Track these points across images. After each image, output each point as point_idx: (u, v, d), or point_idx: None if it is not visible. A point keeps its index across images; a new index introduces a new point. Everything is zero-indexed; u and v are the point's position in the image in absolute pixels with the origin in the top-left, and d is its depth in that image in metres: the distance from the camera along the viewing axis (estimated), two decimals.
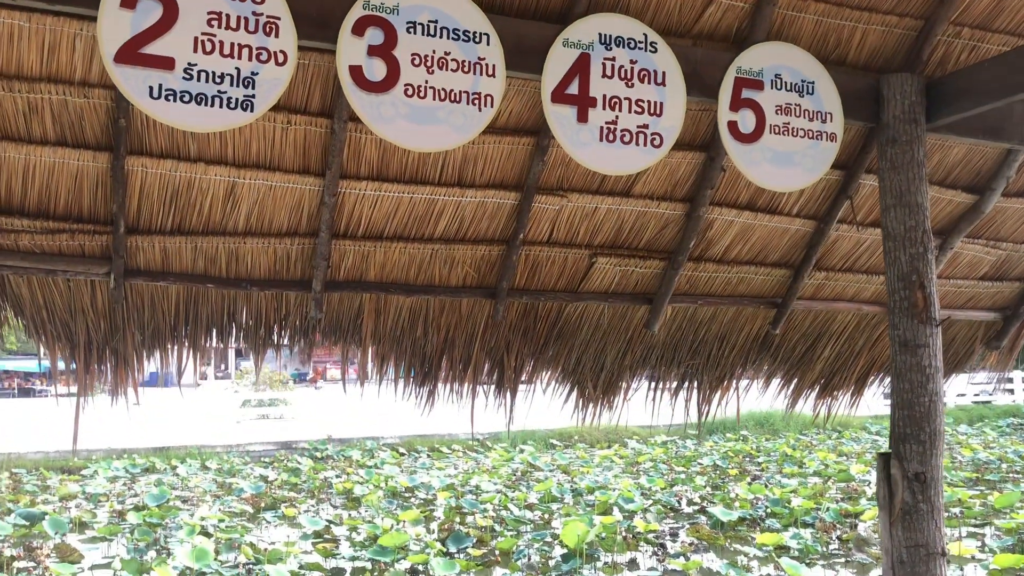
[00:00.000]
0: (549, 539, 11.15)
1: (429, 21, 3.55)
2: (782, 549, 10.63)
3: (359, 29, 3.44)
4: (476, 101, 3.62)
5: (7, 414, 30.34)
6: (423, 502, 14.19)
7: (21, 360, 40.94)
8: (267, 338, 4.59)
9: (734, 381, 5.66)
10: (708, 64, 4.07)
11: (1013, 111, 4.59)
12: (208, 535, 11.03)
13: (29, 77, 3.66)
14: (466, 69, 3.60)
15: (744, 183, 4.84)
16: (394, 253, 4.58)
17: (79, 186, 3.97)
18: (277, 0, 3.32)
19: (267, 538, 11.64)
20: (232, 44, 3.25)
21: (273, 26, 3.32)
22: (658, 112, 3.92)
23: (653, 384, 5.54)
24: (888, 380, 5.79)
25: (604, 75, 3.84)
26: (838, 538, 11.53)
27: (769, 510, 13.00)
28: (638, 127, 3.88)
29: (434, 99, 3.55)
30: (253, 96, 3.29)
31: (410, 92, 3.50)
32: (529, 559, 10.50)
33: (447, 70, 3.57)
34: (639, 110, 3.88)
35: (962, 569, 10.09)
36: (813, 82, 4.25)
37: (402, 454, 20.73)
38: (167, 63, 3.16)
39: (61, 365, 4.30)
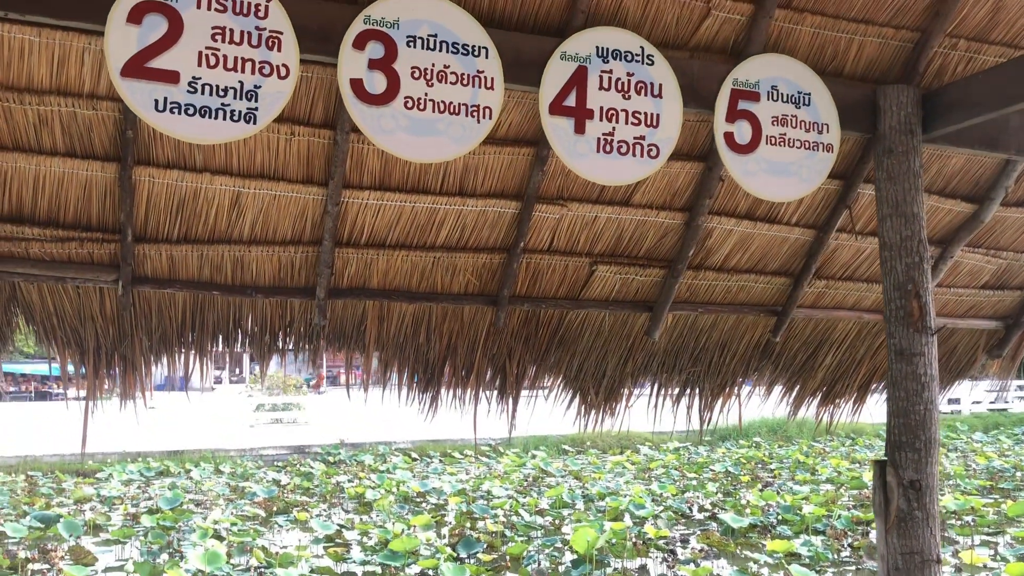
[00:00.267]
0: (559, 545, 11.19)
1: (429, 35, 3.63)
2: (793, 556, 10.63)
3: (360, 43, 3.52)
4: (475, 113, 3.69)
5: (24, 417, 30.64)
6: (434, 507, 14.26)
7: (38, 364, 41.27)
8: (272, 344, 4.68)
9: (735, 388, 5.70)
10: (705, 76, 4.13)
11: (1009, 122, 4.61)
12: (220, 538, 11.12)
13: (39, 90, 3.77)
14: (465, 82, 3.67)
15: (743, 193, 4.89)
16: (397, 261, 4.66)
17: (88, 196, 4.08)
18: (280, 15, 3.41)
19: (279, 542, 11.74)
20: (236, 58, 3.34)
21: (276, 40, 3.40)
22: (655, 124, 3.98)
23: (655, 391, 5.59)
24: None
25: (601, 87, 3.91)
26: (849, 545, 11.51)
27: (780, 517, 12.98)
28: (635, 138, 3.95)
29: (433, 111, 3.62)
30: (256, 109, 3.38)
31: (410, 104, 3.58)
32: (539, 564, 10.54)
33: (446, 83, 3.64)
34: (636, 121, 3.95)
35: None
36: (809, 93, 4.30)
37: (414, 459, 20.81)
38: (172, 77, 3.25)
39: (71, 370, 4.40)
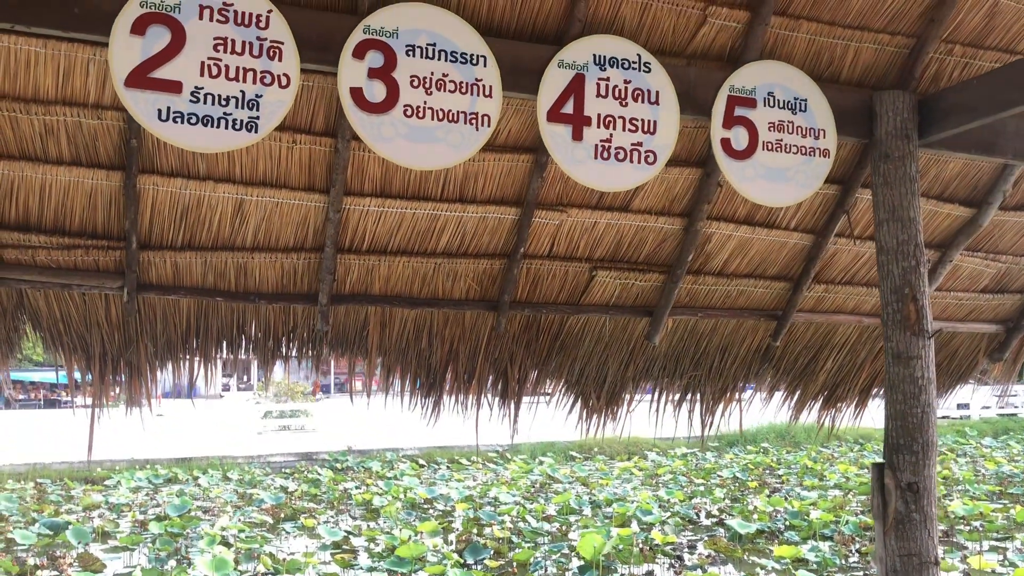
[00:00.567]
0: (566, 551, 11.21)
1: (427, 44, 3.69)
2: (800, 562, 10.63)
3: (359, 53, 3.58)
4: (473, 121, 3.74)
5: (33, 425, 30.78)
6: (441, 513, 14.29)
7: (47, 372, 41.46)
8: (276, 350, 4.73)
9: (736, 393, 5.73)
10: (701, 83, 4.18)
11: (1006, 126, 4.64)
12: (228, 545, 11.18)
13: (45, 100, 3.83)
14: (463, 90, 3.73)
15: (741, 198, 4.91)
16: (398, 267, 4.71)
17: (93, 204, 4.13)
18: (281, 26, 3.47)
19: (286, 548, 11.79)
20: (237, 68, 3.40)
21: (277, 50, 3.46)
22: (652, 130, 4.03)
23: (656, 396, 5.62)
24: None
25: (599, 95, 3.95)
26: (857, 551, 11.51)
27: (788, 523, 12.99)
28: (632, 145, 3.99)
29: (432, 119, 3.68)
30: (258, 117, 3.44)
31: (409, 112, 3.63)
32: (546, 571, 10.57)
33: (445, 91, 3.70)
34: (633, 128, 3.99)
35: None
36: (806, 99, 4.34)
37: (421, 465, 20.85)
38: (175, 86, 3.31)
39: (78, 376, 4.46)
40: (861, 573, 10.68)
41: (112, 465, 19.79)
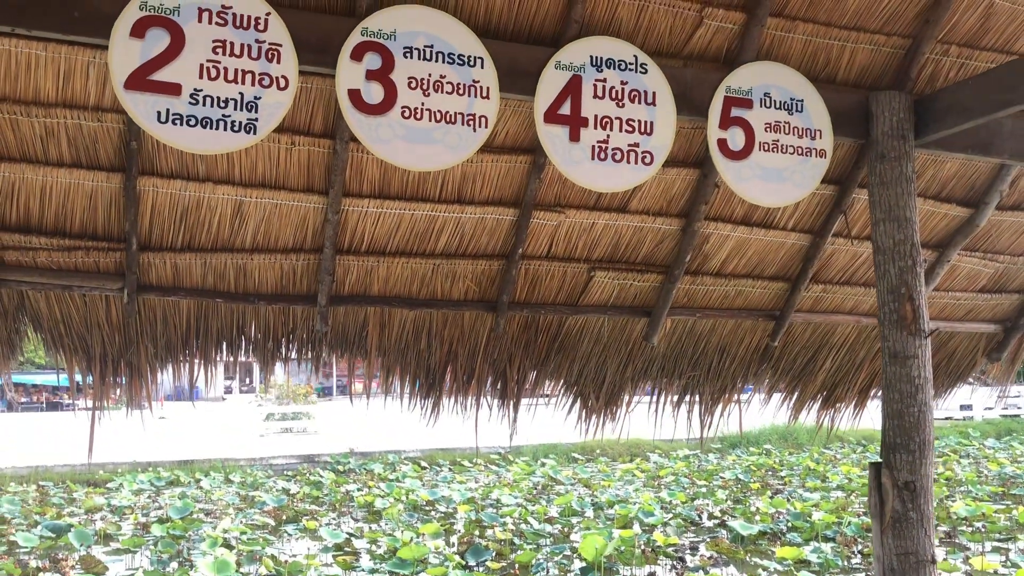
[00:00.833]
0: (568, 552, 11.21)
1: (425, 46, 3.71)
2: (802, 563, 10.62)
3: (357, 55, 3.61)
4: (471, 122, 3.77)
5: (35, 428, 30.82)
6: (443, 515, 14.29)
7: (49, 375, 41.53)
8: (275, 351, 4.75)
9: (735, 393, 5.74)
10: (698, 84, 4.20)
11: (1002, 126, 4.65)
12: (230, 547, 11.18)
13: (46, 103, 3.86)
14: (461, 92, 3.75)
15: (738, 198, 4.93)
16: (397, 268, 4.73)
17: (93, 205, 4.16)
18: (279, 28, 3.49)
19: (288, 551, 11.80)
20: (236, 70, 3.43)
21: (275, 53, 3.49)
22: (648, 131, 4.05)
23: (655, 396, 5.63)
24: None
25: (595, 96, 3.98)
26: (859, 552, 11.49)
27: (790, 524, 12.97)
28: (629, 146, 4.02)
29: (430, 120, 3.70)
30: (256, 119, 3.47)
31: (407, 114, 3.66)
32: (548, 572, 10.57)
33: (443, 93, 3.72)
34: (630, 129, 4.02)
35: None
36: (802, 100, 4.36)
37: (423, 467, 20.85)
38: (174, 89, 3.34)
39: (79, 378, 4.48)
40: (863, 574, 10.66)
41: (114, 468, 19.82)
